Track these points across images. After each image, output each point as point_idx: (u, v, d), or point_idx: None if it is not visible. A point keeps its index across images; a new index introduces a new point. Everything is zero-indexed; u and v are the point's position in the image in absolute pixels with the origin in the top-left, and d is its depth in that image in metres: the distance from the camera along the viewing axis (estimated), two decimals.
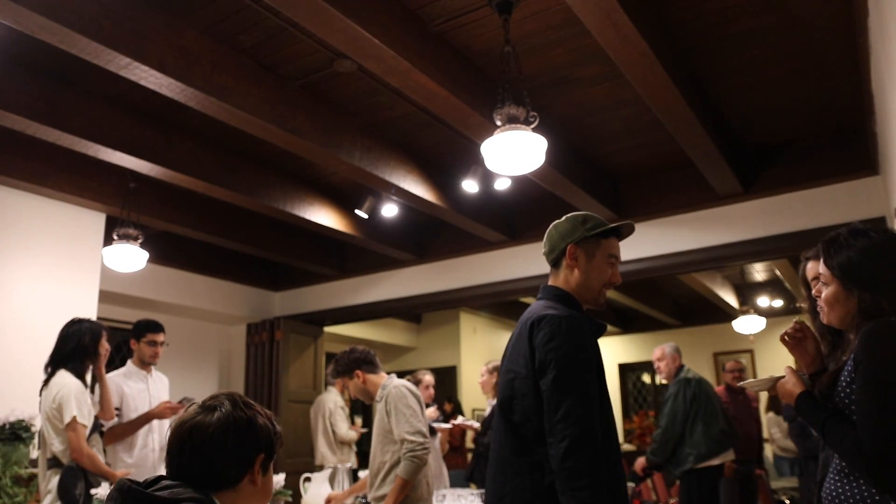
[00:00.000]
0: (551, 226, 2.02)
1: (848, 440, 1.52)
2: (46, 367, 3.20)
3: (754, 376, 9.58)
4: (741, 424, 4.94)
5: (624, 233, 1.98)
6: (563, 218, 2.01)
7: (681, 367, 4.79)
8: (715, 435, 4.43)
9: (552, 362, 1.72)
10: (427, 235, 6.45)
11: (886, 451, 1.44)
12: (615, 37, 3.05)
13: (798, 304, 2.19)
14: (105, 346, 3.31)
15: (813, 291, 1.83)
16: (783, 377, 1.81)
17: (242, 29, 3.47)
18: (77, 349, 3.19)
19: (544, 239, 2.02)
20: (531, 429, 1.74)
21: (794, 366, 1.93)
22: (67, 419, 3.02)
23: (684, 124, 3.94)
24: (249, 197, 4.97)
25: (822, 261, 1.73)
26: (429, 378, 4.94)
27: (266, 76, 3.83)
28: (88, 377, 3.30)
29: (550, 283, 1.99)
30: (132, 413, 3.61)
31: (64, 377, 3.12)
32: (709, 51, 3.71)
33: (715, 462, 4.44)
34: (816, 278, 2.02)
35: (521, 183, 4.96)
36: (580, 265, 1.92)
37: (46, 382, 3.17)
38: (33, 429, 3.54)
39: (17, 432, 3.48)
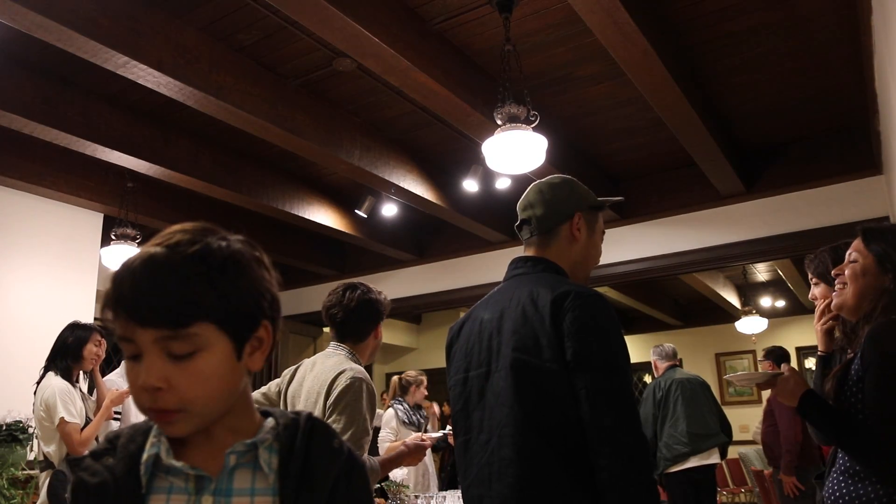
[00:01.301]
0: (538, 186, 1.69)
1: (866, 443, 1.50)
2: (44, 368, 3.23)
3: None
4: (786, 426, 4.44)
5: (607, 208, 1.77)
6: (549, 180, 1.70)
7: (670, 367, 4.76)
8: (678, 437, 4.37)
9: (596, 353, 1.39)
10: (427, 235, 6.43)
11: None
12: (616, 35, 3.02)
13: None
14: (91, 351, 3.31)
15: (834, 270, 1.78)
16: (781, 374, 1.76)
17: (241, 27, 3.45)
18: (59, 351, 3.23)
19: (530, 199, 1.68)
20: (572, 436, 1.38)
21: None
22: (56, 421, 3.04)
23: (686, 123, 3.92)
24: (248, 196, 4.95)
25: (857, 240, 1.71)
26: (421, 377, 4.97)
27: (265, 75, 3.81)
28: (84, 382, 3.31)
29: (534, 254, 1.65)
30: (130, 413, 3.59)
31: (49, 379, 3.17)
32: (710, 49, 3.68)
33: (689, 465, 4.37)
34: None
35: (521, 182, 4.92)
36: (582, 238, 1.63)
37: (38, 384, 3.19)
38: (30, 430, 3.52)
39: (13, 434, 3.45)
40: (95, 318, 4.86)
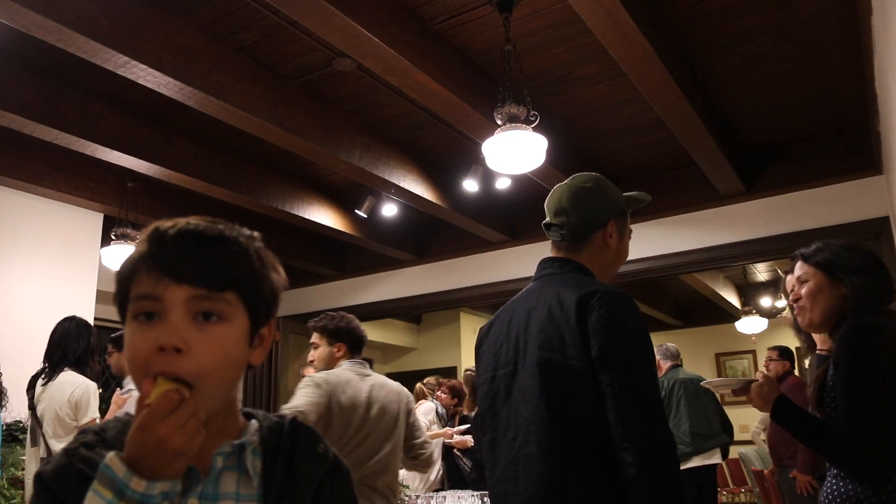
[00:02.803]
0: (573, 191, 1.63)
1: (841, 450, 1.53)
2: (53, 364, 3.15)
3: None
4: None
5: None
6: (583, 184, 1.64)
7: (672, 367, 4.77)
8: (681, 437, 4.38)
9: (622, 350, 1.40)
10: (427, 235, 6.44)
11: (864, 445, 1.48)
12: (616, 35, 3.02)
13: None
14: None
15: (791, 296, 1.82)
16: (755, 381, 1.79)
17: (241, 27, 3.45)
18: (88, 349, 3.19)
19: (563, 204, 1.62)
20: (595, 433, 1.39)
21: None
22: (86, 420, 2.99)
23: (686, 123, 3.92)
24: (248, 196, 4.95)
25: (799, 264, 1.78)
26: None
27: (265, 75, 3.81)
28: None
29: (563, 256, 1.63)
30: None
31: (76, 376, 3.10)
32: (710, 49, 3.68)
33: (691, 465, 4.38)
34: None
35: (521, 182, 4.94)
36: (614, 244, 1.63)
37: (49, 379, 3.13)
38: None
39: (13, 434, 3.45)
40: (96, 318, 4.86)
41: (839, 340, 1.60)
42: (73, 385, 3.08)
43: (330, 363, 2.67)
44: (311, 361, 2.72)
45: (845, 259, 1.70)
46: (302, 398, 2.38)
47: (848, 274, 1.67)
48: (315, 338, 2.72)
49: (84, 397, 3.04)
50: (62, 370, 3.13)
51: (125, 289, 0.80)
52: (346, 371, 2.55)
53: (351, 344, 2.67)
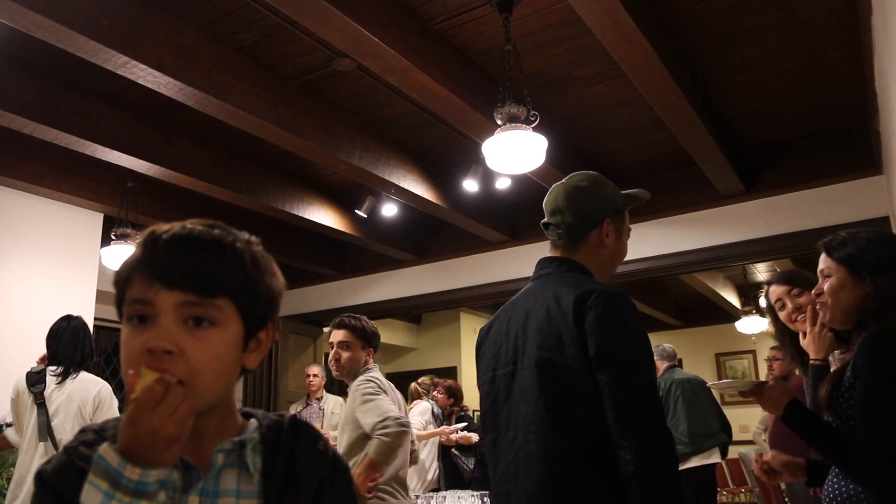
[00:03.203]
0: (568, 191, 1.64)
1: (853, 459, 1.49)
2: (73, 364, 3.15)
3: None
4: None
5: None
6: (579, 183, 1.65)
7: (669, 367, 4.77)
8: (679, 437, 4.38)
9: (620, 349, 1.41)
10: (427, 235, 6.44)
11: (883, 458, 1.43)
12: (616, 35, 3.02)
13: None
14: None
15: (814, 290, 1.77)
16: (765, 383, 1.75)
17: (241, 27, 3.45)
18: (93, 352, 3.23)
19: (559, 204, 1.63)
20: (593, 432, 1.40)
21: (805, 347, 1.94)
22: (104, 419, 3.01)
23: (686, 123, 3.92)
24: (248, 196, 4.95)
25: (822, 256, 1.70)
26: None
27: (265, 75, 3.81)
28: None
29: (560, 255, 1.64)
30: None
31: (94, 376, 3.16)
32: (711, 49, 3.68)
33: (690, 465, 4.38)
34: (780, 299, 2.02)
35: (521, 182, 4.94)
36: (610, 243, 1.63)
37: (66, 377, 3.12)
38: None
39: None
40: (95, 318, 4.86)
41: (861, 347, 1.53)
42: (98, 384, 3.14)
43: (357, 367, 2.70)
44: (337, 360, 2.69)
45: (871, 255, 1.59)
46: (391, 406, 2.52)
47: (872, 272, 1.57)
48: (347, 336, 2.71)
49: (108, 397, 3.10)
50: (79, 371, 3.16)
51: (121, 292, 0.81)
52: (381, 376, 2.70)
53: (376, 350, 2.79)
